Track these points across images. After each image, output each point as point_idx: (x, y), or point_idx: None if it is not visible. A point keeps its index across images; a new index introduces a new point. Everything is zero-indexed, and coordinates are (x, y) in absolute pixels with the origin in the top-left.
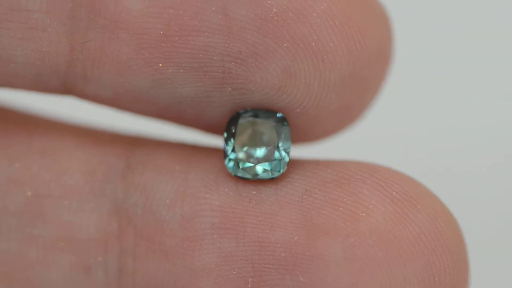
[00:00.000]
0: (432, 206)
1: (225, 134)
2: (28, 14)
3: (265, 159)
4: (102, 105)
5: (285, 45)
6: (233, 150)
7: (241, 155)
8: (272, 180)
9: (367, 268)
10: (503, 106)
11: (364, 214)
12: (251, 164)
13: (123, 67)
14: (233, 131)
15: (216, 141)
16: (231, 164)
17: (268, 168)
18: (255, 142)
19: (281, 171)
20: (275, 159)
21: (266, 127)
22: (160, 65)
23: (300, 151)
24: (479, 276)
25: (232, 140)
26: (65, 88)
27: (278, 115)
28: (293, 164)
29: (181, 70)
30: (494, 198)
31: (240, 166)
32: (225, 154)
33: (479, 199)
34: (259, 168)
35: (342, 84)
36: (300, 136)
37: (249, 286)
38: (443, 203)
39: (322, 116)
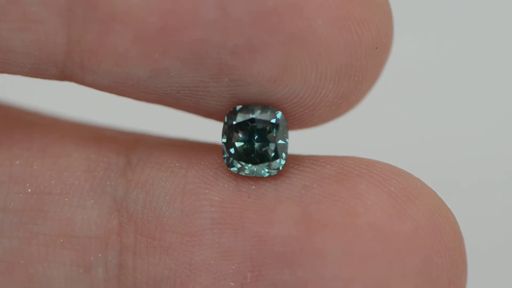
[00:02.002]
0: (430, 201)
1: (223, 132)
2: (25, 7)
3: (263, 156)
4: (102, 91)
5: (281, 38)
6: (231, 148)
7: (239, 153)
8: (271, 176)
9: (365, 262)
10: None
11: (362, 209)
12: (249, 164)
13: (121, 58)
14: (231, 129)
15: (214, 137)
16: (230, 163)
17: (266, 165)
18: (252, 139)
19: (280, 168)
20: (273, 157)
21: (263, 124)
22: (157, 56)
23: (299, 147)
24: (477, 271)
25: (230, 138)
26: (63, 75)
27: (276, 111)
28: (292, 160)
29: (178, 62)
30: (492, 194)
31: (239, 165)
32: (224, 153)
33: (476, 195)
34: (258, 166)
35: (339, 75)
36: (296, 125)
37: (248, 280)
38: (441, 199)
39: (318, 106)
